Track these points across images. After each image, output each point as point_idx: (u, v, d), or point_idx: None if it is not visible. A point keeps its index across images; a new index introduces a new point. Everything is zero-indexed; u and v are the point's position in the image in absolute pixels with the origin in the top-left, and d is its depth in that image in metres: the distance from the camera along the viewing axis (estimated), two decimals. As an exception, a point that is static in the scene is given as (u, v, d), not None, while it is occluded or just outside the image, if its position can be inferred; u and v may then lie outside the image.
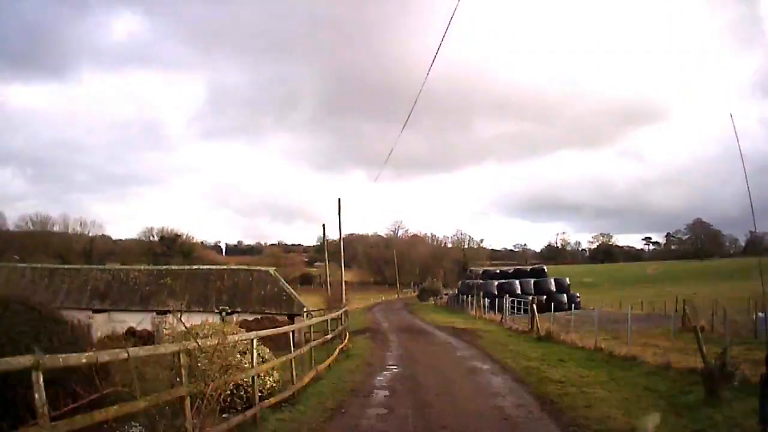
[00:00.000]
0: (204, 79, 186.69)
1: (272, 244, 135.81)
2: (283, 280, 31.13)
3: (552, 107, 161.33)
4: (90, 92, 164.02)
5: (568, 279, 46.81)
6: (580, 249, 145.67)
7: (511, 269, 54.27)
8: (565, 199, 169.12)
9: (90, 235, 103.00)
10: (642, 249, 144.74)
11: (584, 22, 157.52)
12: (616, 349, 15.99)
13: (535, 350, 17.83)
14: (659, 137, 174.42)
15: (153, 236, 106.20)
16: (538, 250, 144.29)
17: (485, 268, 54.41)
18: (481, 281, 43.96)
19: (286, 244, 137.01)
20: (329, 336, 17.00)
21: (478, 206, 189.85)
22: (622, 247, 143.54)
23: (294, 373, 11.14)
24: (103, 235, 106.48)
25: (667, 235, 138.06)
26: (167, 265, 34.95)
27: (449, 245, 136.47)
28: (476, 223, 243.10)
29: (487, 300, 39.62)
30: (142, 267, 34.81)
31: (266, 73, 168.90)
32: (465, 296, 44.53)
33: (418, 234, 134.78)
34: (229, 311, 28.47)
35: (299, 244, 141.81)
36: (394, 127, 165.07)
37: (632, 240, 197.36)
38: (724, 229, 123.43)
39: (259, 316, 27.86)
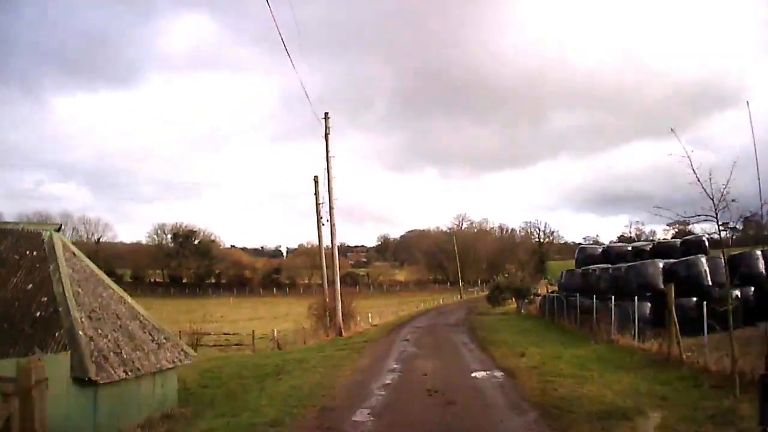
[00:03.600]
0: (274, 81, 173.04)
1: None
2: (64, 256, 9.11)
3: (624, 95, 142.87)
4: (156, 99, 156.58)
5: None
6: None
7: (647, 245, 31.74)
8: (632, 191, 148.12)
9: (93, 238, 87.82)
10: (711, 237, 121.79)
11: (658, 5, 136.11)
12: None
13: None
14: (732, 122, 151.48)
15: (165, 234, 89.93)
16: (607, 242, 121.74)
17: (606, 245, 31.91)
18: (624, 264, 22.01)
19: (348, 246, 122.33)
20: None
21: (547, 201, 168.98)
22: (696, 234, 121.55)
23: None
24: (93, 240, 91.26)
25: (745, 219, 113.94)
26: None
27: (519, 236, 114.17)
28: (544, 218, 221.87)
29: (628, 307, 18.09)
30: None
31: (339, 73, 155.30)
32: (586, 299, 22.98)
33: (484, 226, 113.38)
34: None
35: (362, 245, 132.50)
36: (468, 123, 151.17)
37: (701, 229, 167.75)
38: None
39: None
